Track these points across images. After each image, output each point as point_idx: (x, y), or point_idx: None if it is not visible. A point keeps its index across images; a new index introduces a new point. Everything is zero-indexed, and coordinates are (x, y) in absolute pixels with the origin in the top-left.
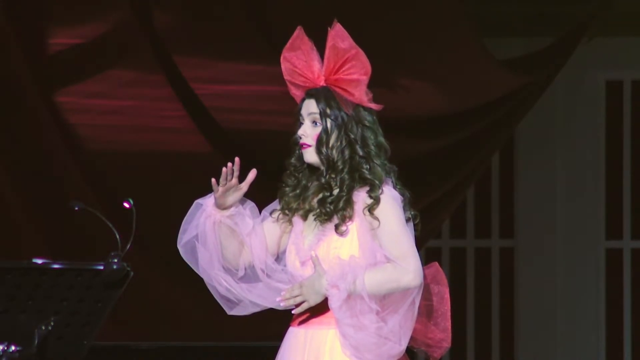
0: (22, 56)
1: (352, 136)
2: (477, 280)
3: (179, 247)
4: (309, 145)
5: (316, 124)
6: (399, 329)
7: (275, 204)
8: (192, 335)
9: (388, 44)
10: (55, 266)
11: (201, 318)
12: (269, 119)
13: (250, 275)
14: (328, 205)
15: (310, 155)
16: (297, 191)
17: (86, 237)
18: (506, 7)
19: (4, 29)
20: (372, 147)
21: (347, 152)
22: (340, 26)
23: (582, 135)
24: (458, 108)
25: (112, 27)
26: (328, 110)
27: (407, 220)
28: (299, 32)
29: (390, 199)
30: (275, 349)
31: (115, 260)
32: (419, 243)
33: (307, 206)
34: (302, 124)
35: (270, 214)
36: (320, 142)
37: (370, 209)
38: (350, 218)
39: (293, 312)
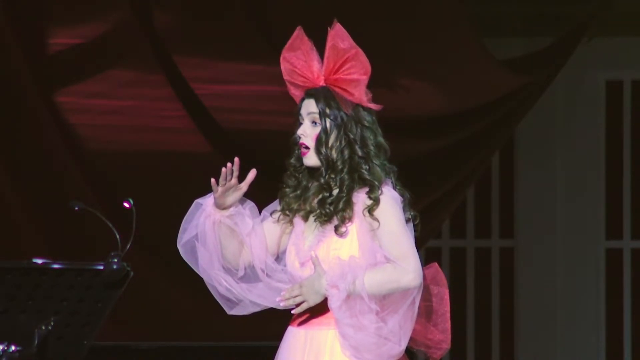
0: (22, 56)
1: (352, 136)
2: (477, 280)
3: (178, 246)
4: (308, 149)
5: (316, 123)
6: (399, 330)
7: (276, 205)
8: (192, 335)
9: (388, 44)
10: (55, 266)
11: (201, 318)
12: (269, 119)
13: (250, 275)
14: (328, 206)
15: (310, 159)
16: (298, 192)
17: (86, 237)
18: (506, 7)
19: (4, 29)
20: (372, 148)
21: (346, 152)
22: (340, 26)
23: (582, 135)
24: (458, 108)
25: (112, 27)
26: (327, 110)
27: (407, 220)
28: (298, 32)
29: (390, 199)
30: (275, 349)
31: (115, 260)
32: (419, 243)
33: (307, 207)
34: (302, 123)
35: (271, 214)
36: (320, 142)
37: (370, 209)
38: (350, 219)
39: (293, 312)
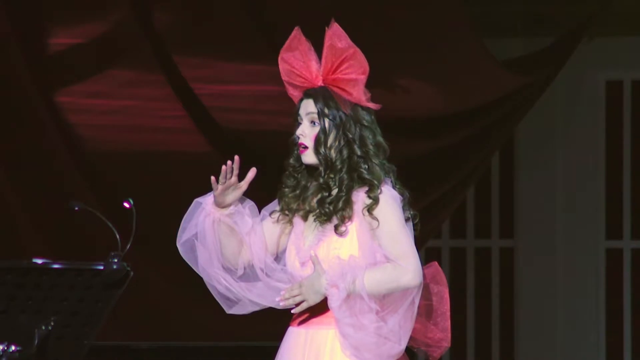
0: (22, 56)
1: (351, 136)
2: (477, 280)
3: (178, 245)
4: (306, 148)
5: (314, 123)
6: (399, 329)
7: (275, 204)
8: (192, 335)
9: (388, 44)
10: (55, 266)
11: (201, 318)
12: (269, 119)
13: (249, 275)
14: (327, 205)
15: (308, 157)
16: (297, 192)
17: (86, 237)
18: (506, 7)
19: (4, 29)
20: (371, 147)
21: (345, 152)
22: (338, 26)
23: (582, 135)
24: (458, 108)
25: (112, 27)
26: (326, 110)
27: (407, 219)
28: (296, 32)
29: (390, 198)
30: (275, 349)
31: (115, 260)
32: (419, 243)
33: (307, 207)
34: (300, 124)
35: (270, 214)
36: (318, 142)
37: (370, 209)
38: (350, 218)
39: (292, 311)
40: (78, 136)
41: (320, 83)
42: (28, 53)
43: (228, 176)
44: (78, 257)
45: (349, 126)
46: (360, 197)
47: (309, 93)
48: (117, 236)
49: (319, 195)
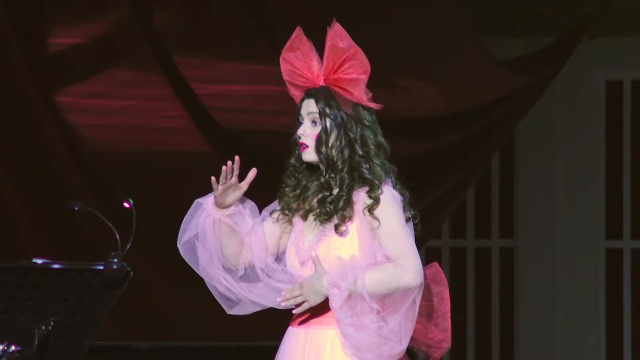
0: (22, 56)
1: (352, 135)
2: (477, 280)
3: (178, 246)
4: (307, 146)
5: (316, 123)
6: (400, 329)
7: (275, 204)
8: (192, 335)
9: (388, 44)
10: (56, 266)
11: (201, 318)
12: (269, 119)
13: (250, 275)
14: (328, 205)
15: (309, 155)
16: (297, 191)
17: (86, 237)
18: (506, 7)
19: (4, 29)
20: (372, 147)
21: (346, 152)
22: (339, 26)
23: (582, 135)
24: (458, 108)
25: (112, 27)
26: (327, 110)
27: (407, 220)
28: (297, 32)
29: (390, 198)
30: (275, 349)
31: (115, 260)
32: (419, 243)
33: (307, 206)
34: (302, 123)
35: (270, 214)
36: (320, 142)
37: (370, 209)
38: (350, 218)
39: (293, 312)
40: (78, 136)
41: (321, 83)
42: (28, 53)
43: (228, 176)
44: (78, 257)
45: (350, 126)
46: (360, 197)
47: (310, 93)
48: (117, 236)
49: (320, 195)
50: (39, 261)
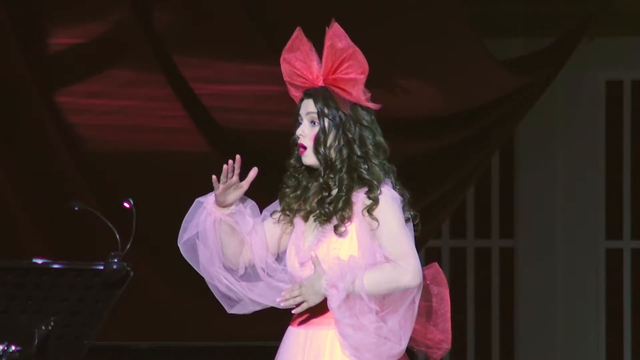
0: (22, 56)
1: (350, 135)
2: (477, 280)
3: (179, 245)
4: (305, 148)
5: (314, 123)
6: (399, 329)
7: (276, 205)
8: (192, 335)
9: (388, 44)
10: (56, 266)
11: (201, 318)
12: (269, 119)
13: (250, 274)
14: (327, 205)
15: (307, 158)
16: (298, 192)
17: (86, 237)
18: (506, 7)
19: (4, 29)
20: (370, 147)
21: (345, 152)
22: (338, 26)
23: (582, 135)
24: (458, 108)
25: (112, 27)
26: (326, 110)
27: (407, 220)
28: (297, 33)
29: (390, 199)
30: (275, 349)
31: (115, 260)
32: (419, 243)
33: (308, 207)
34: (301, 124)
35: (271, 215)
36: (318, 142)
37: (369, 209)
38: (350, 218)
39: (293, 312)
40: (78, 136)
41: (320, 83)
42: (28, 53)
43: (229, 175)
44: (78, 257)
45: (349, 126)
46: (360, 198)
47: (309, 93)
48: (117, 236)
49: (319, 196)
50: (39, 261)
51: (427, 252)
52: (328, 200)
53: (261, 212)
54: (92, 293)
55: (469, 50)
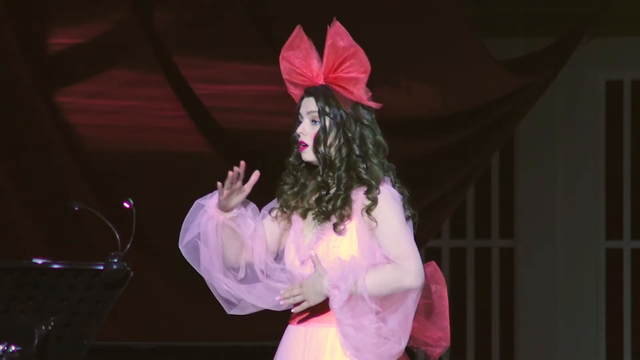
0: (22, 56)
1: (350, 135)
2: (477, 280)
3: (180, 247)
4: (306, 145)
5: (315, 122)
6: (399, 329)
7: (274, 203)
8: (192, 335)
9: (388, 44)
10: (55, 266)
11: (201, 318)
12: (269, 119)
13: (250, 276)
14: (325, 204)
15: (308, 155)
16: (295, 189)
17: (86, 237)
18: (506, 7)
19: (4, 29)
20: (370, 146)
21: (344, 151)
22: (339, 24)
23: (582, 135)
24: (458, 108)
25: (112, 27)
26: (327, 109)
27: (407, 219)
28: (297, 31)
29: (390, 197)
30: (275, 349)
31: (115, 260)
32: (419, 243)
33: (305, 204)
34: (301, 122)
35: (269, 212)
36: (318, 141)
37: (368, 209)
38: (349, 217)
39: (292, 310)
40: (78, 136)
41: (321, 81)
42: (28, 53)
43: (235, 182)
44: (78, 257)
45: (349, 125)
46: (359, 196)
47: (309, 91)
48: (117, 236)
49: (317, 194)
50: (39, 261)
51: (427, 252)
52: (326, 198)
53: (260, 211)
54: (92, 293)
55: (469, 50)
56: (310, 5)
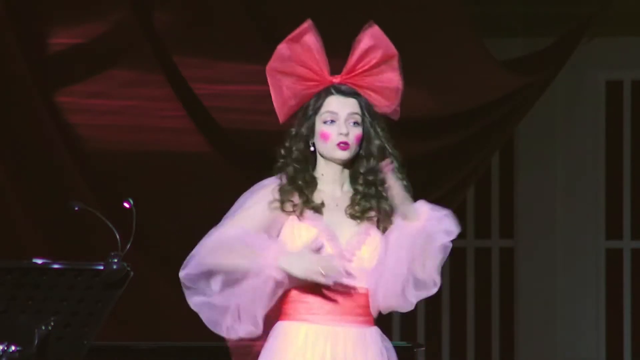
0: (22, 56)
1: (380, 141)
2: (477, 280)
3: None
4: (348, 146)
5: (356, 124)
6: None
7: (271, 193)
8: (192, 335)
9: None
10: (55, 266)
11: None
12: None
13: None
14: (369, 200)
15: (346, 155)
16: (309, 186)
17: (86, 237)
18: (506, 7)
19: (4, 29)
20: (392, 150)
21: (379, 155)
22: (379, 28)
23: (582, 135)
24: (458, 108)
25: (112, 27)
26: (370, 113)
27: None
28: (308, 25)
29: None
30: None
31: (115, 260)
32: None
33: (317, 200)
34: (334, 121)
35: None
36: (361, 144)
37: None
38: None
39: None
40: (78, 136)
41: (336, 81)
42: (28, 53)
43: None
44: (78, 257)
45: (380, 131)
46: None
47: (348, 92)
48: (117, 236)
49: (357, 192)
50: (39, 261)
51: None
52: (373, 194)
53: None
54: (92, 293)
55: (469, 50)
56: (310, 6)
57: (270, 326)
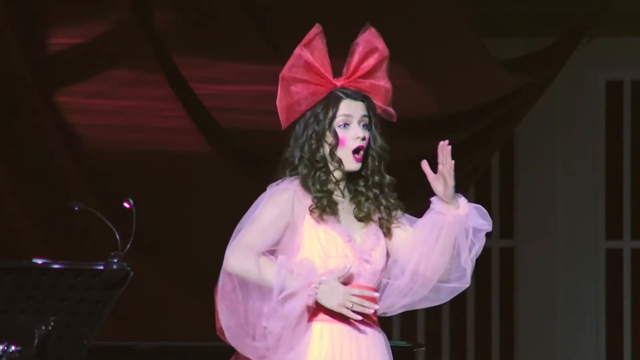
0: (22, 56)
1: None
2: (477, 280)
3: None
4: (361, 158)
5: (366, 127)
6: None
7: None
8: (192, 335)
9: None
10: (55, 266)
11: (201, 318)
12: (269, 119)
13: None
14: (388, 201)
15: (359, 166)
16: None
17: (86, 237)
18: (506, 7)
19: (4, 29)
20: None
21: (385, 157)
22: (375, 30)
23: (582, 135)
24: (458, 108)
25: (112, 27)
26: (373, 118)
27: None
28: (317, 29)
29: None
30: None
31: (115, 260)
32: None
33: (365, 209)
34: (348, 124)
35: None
36: (369, 147)
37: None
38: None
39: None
40: (78, 136)
41: (340, 84)
42: (28, 53)
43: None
44: (78, 257)
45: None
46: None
47: (357, 96)
48: (117, 236)
49: (364, 195)
50: (39, 261)
51: None
52: (384, 196)
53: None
54: (92, 293)
55: (469, 50)
56: (310, 6)
57: None
